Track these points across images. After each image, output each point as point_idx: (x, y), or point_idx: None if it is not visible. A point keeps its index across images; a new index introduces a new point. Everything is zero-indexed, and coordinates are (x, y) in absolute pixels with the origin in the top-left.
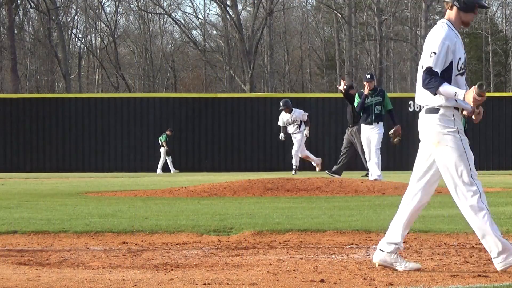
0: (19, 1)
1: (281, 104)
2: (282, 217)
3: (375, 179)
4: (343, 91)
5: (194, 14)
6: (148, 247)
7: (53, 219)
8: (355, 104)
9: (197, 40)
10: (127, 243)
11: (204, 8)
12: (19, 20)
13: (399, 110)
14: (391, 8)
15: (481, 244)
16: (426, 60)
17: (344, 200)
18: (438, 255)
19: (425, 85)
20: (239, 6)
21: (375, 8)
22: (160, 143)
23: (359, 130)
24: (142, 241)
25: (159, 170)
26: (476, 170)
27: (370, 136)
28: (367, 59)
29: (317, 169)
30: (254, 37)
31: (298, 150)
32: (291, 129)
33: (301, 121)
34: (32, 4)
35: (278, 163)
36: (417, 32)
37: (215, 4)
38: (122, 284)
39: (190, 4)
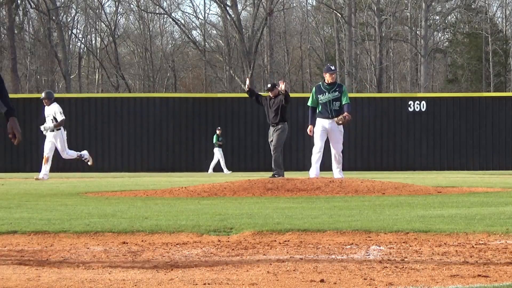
0: (19, 1)
1: (42, 94)
2: (282, 217)
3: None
4: (247, 89)
5: (194, 14)
6: (148, 247)
7: (53, 219)
8: (310, 100)
9: (197, 40)
10: (127, 243)
11: (204, 8)
12: (19, 20)
13: (399, 110)
14: (391, 8)
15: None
16: None
17: (344, 200)
18: (438, 255)
19: None
20: (239, 6)
21: (375, 8)
22: (216, 144)
23: (283, 130)
24: (142, 241)
25: (210, 170)
26: (476, 170)
27: (331, 132)
28: (367, 59)
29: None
30: (254, 37)
31: (63, 150)
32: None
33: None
34: (32, 4)
35: None
36: (417, 32)
37: (215, 4)
38: (122, 284)
39: (190, 4)
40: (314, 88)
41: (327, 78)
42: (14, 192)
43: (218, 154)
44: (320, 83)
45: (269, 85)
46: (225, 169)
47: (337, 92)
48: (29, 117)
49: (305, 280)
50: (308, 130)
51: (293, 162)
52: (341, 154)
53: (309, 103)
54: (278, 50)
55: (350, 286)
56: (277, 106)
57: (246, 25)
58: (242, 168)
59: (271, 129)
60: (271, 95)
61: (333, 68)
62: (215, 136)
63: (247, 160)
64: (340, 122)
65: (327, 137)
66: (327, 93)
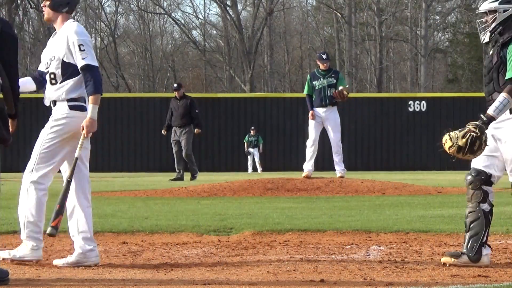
0: (19, 1)
1: None
2: (282, 217)
3: (340, 176)
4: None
5: (194, 14)
6: (148, 247)
7: None
8: (306, 88)
9: (197, 40)
10: (127, 243)
11: (204, 8)
12: (19, 20)
13: (399, 110)
14: (391, 8)
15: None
16: None
17: (344, 200)
18: (438, 255)
19: None
20: (239, 6)
21: (375, 8)
22: (259, 144)
23: (190, 132)
24: (142, 241)
25: (259, 168)
26: None
27: (327, 121)
28: (367, 59)
29: None
30: (254, 37)
31: None
32: None
33: None
34: (32, 4)
35: (278, 163)
36: (417, 32)
37: (215, 4)
38: (122, 284)
39: (190, 4)
40: (309, 75)
41: (320, 66)
42: (14, 192)
43: (256, 153)
44: (315, 69)
45: (175, 85)
46: (250, 169)
47: (332, 78)
48: (28, 117)
49: (305, 280)
50: (310, 115)
51: (292, 162)
52: (340, 144)
53: (305, 91)
54: (278, 50)
55: (350, 286)
56: (183, 108)
57: (246, 25)
58: (242, 168)
59: (177, 130)
60: (177, 96)
61: (325, 57)
62: (246, 137)
63: (247, 160)
64: (339, 98)
65: (323, 127)
66: (321, 79)
